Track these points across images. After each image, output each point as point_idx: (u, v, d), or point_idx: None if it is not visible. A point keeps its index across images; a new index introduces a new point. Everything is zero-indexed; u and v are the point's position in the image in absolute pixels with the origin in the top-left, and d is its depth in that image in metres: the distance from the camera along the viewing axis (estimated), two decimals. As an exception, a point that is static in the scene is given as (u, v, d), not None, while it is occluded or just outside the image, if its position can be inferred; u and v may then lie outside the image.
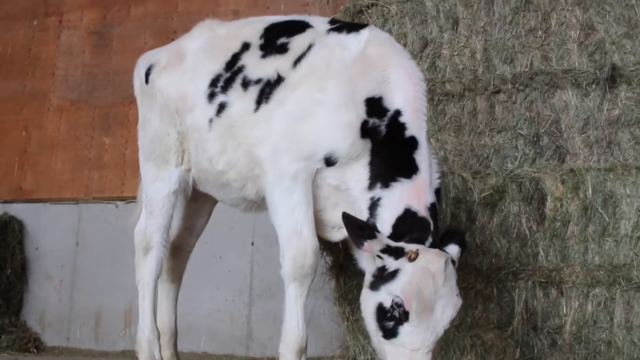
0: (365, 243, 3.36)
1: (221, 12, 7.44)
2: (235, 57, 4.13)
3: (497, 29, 5.43)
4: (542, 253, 4.83)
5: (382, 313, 3.32)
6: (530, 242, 4.85)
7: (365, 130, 3.59)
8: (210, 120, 4.07)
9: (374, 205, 3.55)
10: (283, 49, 3.97)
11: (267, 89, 3.88)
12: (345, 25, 4.02)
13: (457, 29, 5.53)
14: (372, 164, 3.60)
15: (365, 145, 3.59)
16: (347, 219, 3.38)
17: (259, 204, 4.10)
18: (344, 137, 3.59)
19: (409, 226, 3.44)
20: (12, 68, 8.26)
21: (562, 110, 5.17)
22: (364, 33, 3.85)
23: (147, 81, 4.53)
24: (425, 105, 3.71)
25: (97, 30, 8.00)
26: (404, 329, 3.23)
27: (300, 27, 4.06)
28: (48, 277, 7.56)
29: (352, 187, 3.64)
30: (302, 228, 3.64)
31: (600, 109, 5.10)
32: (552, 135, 5.17)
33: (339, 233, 3.71)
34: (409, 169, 3.55)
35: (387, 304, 3.29)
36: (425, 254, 3.29)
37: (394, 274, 3.30)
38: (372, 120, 3.59)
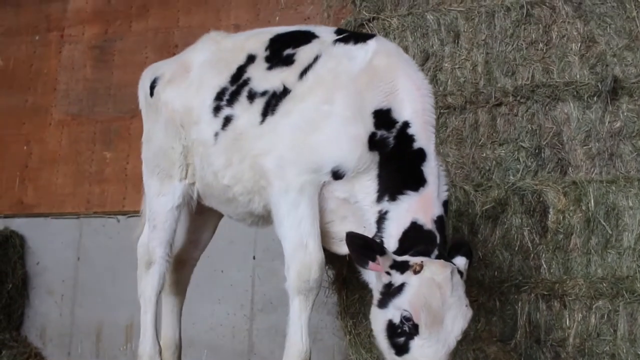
0: (370, 263, 3.34)
1: (222, 26, 7.43)
2: (241, 70, 4.12)
3: (498, 42, 5.43)
4: (544, 265, 4.82)
5: (392, 330, 3.29)
6: (532, 255, 4.83)
7: (373, 143, 3.57)
8: (216, 134, 4.05)
9: (381, 218, 3.53)
10: (289, 61, 3.95)
11: (273, 101, 3.86)
12: (351, 36, 3.99)
13: (458, 42, 5.53)
14: (380, 177, 3.58)
15: (374, 157, 3.57)
16: (351, 238, 3.36)
17: (266, 218, 4.07)
18: (352, 150, 3.56)
19: (414, 239, 3.43)
20: (13, 83, 8.28)
21: (564, 123, 5.17)
22: (371, 43, 3.83)
23: (151, 94, 4.52)
24: (433, 117, 3.70)
25: (98, 44, 8.02)
26: (415, 343, 3.21)
27: (306, 37, 4.04)
28: (49, 292, 7.54)
29: (360, 200, 3.62)
30: (308, 241, 3.61)
31: (602, 121, 5.09)
32: (554, 148, 5.16)
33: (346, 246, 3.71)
34: (417, 182, 3.53)
35: (397, 319, 3.27)
36: (430, 266, 3.27)
37: (400, 288, 3.28)
38: (380, 133, 3.58)
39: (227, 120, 4.03)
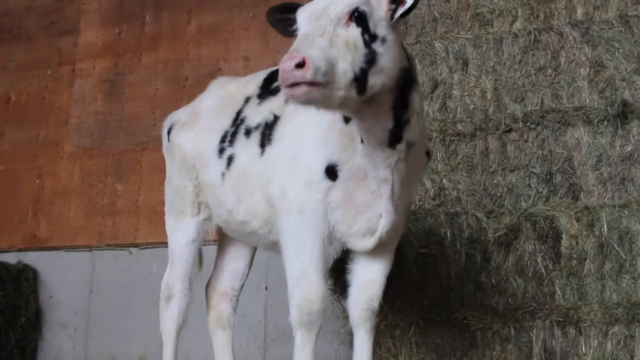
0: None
1: (232, 58, 7.51)
2: (239, 113, 4.21)
3: (507, 68, 5.45)
4: (559, 292, 4.79)
5: None
6: (546, 281, 4.81)
7: (346, 118, 3.50)
8: (222, 174, 4.14)
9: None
10: (276, 91, 4.00)
11: (267, 131, 3.90)
12: None
13: (466, 70, 5.56)
14: None
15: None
16: (268, 15, 3.34)
17: None
18: (330, 136, 3.53)
19: None
20: (26, 117, 8.34)
21: (575, 148, 5.17)
22: None
23: (168, 139, 4.66)
24: None
25: (109, 78, 8.08)
26: None
27: None
28: (62, 325, 7.53)
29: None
30: (309, 272, 3.56)
31: (612, 146, 5.09)
32: (565, 173, 5.16)
33: (371, 239, 3.64)
34: None
35: None
36: None
37: None
38: None
39: (230, 160, 4.10)
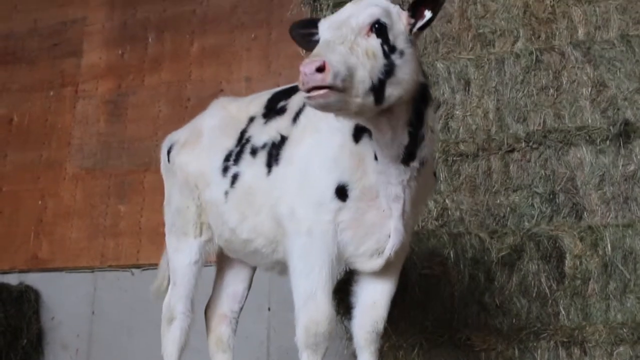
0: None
1: (234, 79, 7.54)
2: (243, 133, 4.20)
3: (509, 88, 5.46)
4: (563, 312, 4.77)
5: None
6: (550, 301, 4.79)
7: (357, 135, 3.51)
8: (226, 193, 4.12)
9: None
10: (282, 111, 4.01)
11: (274, 151, 3.89)
12: None
13: (469, 90, 5.56)
14: None
15: (365, 144, 3.50)
16: (291, 30, 3.43)
17: None
18: (340, 156, 3.52)
19: None
20: (28, 138, 8.37)
21: (577, 167, 5.16)
22: None
23: (168, 160, 4.64)
24: None
25: (112, 99, 8.12)
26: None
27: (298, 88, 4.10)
28: (64, 346, 7.51)
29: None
30: (317, 293, 3.54)
31: (615, 165, 5.08)
32: (568, 193, 5.15)
33: (379, 260, 3.61)
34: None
35: None
36: None
37: None
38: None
39: (235, 178, 4.08)
